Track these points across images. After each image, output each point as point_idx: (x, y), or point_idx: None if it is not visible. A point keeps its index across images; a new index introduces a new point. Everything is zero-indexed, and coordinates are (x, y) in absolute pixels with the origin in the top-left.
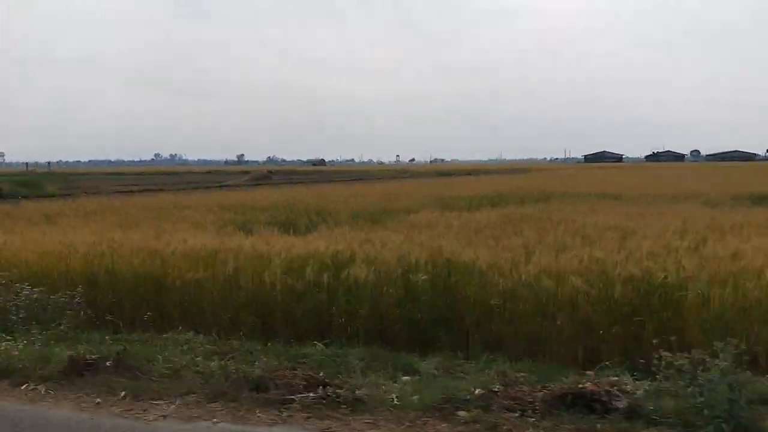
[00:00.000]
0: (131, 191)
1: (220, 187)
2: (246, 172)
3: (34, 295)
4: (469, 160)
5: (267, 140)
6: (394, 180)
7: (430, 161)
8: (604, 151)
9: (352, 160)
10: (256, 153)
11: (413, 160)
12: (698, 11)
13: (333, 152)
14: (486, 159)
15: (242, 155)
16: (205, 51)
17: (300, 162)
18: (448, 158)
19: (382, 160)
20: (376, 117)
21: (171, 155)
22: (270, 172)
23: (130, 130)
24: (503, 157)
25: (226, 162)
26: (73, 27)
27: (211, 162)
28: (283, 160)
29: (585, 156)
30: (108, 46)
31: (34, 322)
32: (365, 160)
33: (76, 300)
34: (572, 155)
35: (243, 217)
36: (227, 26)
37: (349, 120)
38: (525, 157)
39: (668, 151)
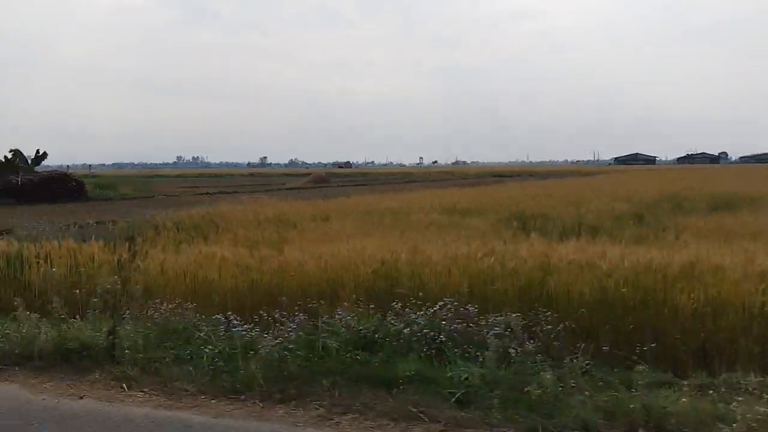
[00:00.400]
0: (208, 193)
1: (286, 189)
2: (296, 175)
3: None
4: (491, 162)
5: (286, 143)
6: (465, 183)
7: (452, 163)
8: (636, 153)
9: (372, 162)
10: (277, 155)
11: (436, 162)
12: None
13: (349, 155)
14: (506, 161)
15: (265, 158)
16: (222, 55)
17: (322, 164)
18: (468, 161)
19: (403, 162)
20: (390, 120)
21: (193, 158)
22: (327, 174)
23: (150, 134)
24: (529, 160)
25: (249, 164)
26: (90, 34)
27: (232, 164)
28: (304, 163)
29: (616, 158)
30: (126, 53)
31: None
32: (384, 163)
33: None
34: (600, 158)
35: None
36: (244, 32)
37: (365, 123)
38: (546, 160)
39: (703, 153)
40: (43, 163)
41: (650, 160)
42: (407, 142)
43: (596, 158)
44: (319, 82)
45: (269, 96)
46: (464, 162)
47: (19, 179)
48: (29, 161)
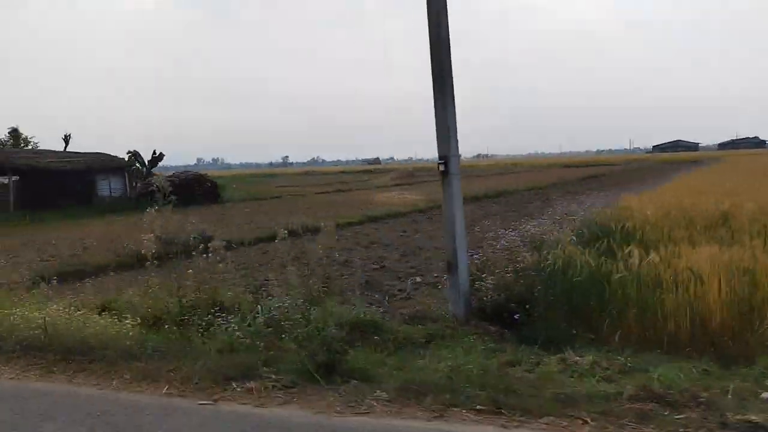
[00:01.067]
0: (327, 192)
1: (393, 185)
2: (370, 172)
3: None
4: (513, 155)
5: (304, 142)
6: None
7: (474, 156)
8: (678, 140)
9: (392, 158)
10: (296, 155)
11: (459, 156)
12: None
13: (369, 152)
14: (525, 153)
15: (287, 157)
16: (238, 58)
17: (342, 162)
18: (489, 153)
19: (423, 158)
20: (406, 117)
21: (213, 159)
22: (413, 170)
23: (168, 136)
24: (564, 150)
25: (271, 164)
26: (105, 37)
27: (253, 165)
28: (324, 161)
29: (655, 146)
30: (142, 55)
31: None
32: (404, 159)
33: None
34: (635, 146)
35: None
36: (258, 34)
37: (382, 120)
38: (572, 151)
39: (746, 138)
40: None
41: (692, 147)
42: (422, 138)
43: (631, 147)
44: (334, 82)
45: (284, 95)
46: (485, 155)
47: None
48: (146, 162)
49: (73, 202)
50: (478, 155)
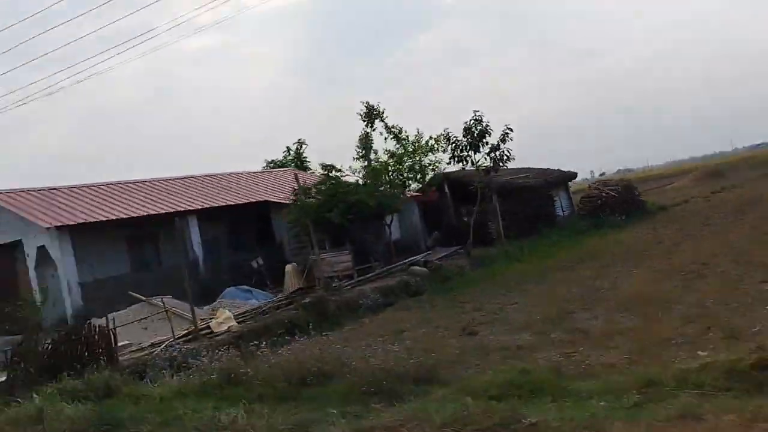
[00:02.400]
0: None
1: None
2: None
3: None
4: (652, 165)
5: None
6: None
7: (615, 172)
8: None
9: None
10: None
11: (603, 174)
12: None
13: None
14: (662, 162)
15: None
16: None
17: None
18: (634, 167)
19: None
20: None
21: None
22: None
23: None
24: (735, 147)
25: None
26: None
27: None
28: None
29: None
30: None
31: None
32: None
33: None
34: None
35: None
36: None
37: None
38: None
39: None
40: None
41: None
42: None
43: (733, 147)
44: (455, 117)
45: None
46: (627, 170)
47: (606, 191)
48: None
49: (542, 224)
50: (618, 170)
